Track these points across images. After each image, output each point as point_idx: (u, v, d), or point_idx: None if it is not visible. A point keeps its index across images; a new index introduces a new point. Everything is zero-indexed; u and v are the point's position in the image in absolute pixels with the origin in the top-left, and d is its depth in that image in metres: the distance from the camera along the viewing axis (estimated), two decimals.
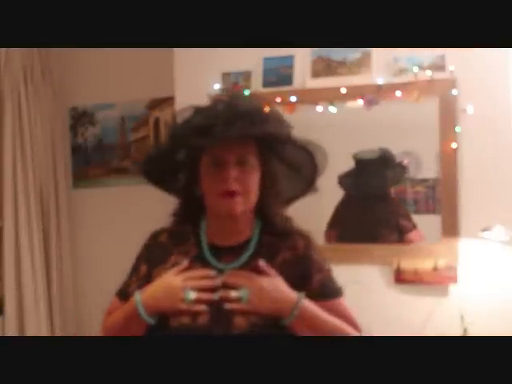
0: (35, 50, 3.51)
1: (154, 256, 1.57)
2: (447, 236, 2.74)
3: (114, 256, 3.56)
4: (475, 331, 2.56)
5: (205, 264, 1.51)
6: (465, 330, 2.59)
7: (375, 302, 2.81)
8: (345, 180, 2.95)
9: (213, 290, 1.46)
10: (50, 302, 3.53)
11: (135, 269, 1.59)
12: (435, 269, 2.74)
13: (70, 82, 3.73)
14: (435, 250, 2.75)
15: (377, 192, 2.99)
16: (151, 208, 3.51)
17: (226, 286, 1.46)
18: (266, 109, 1.49)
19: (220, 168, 1.46)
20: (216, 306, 1.44)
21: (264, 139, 1.48)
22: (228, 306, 1.43)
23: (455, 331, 2.60)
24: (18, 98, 3.45)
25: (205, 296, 1.44)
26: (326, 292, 1.52)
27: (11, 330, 3.33)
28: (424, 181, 2.89)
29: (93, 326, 3.58)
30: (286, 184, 1.58)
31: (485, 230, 2.61)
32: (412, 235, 2.89)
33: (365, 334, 1.53)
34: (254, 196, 1.49)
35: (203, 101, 1.55)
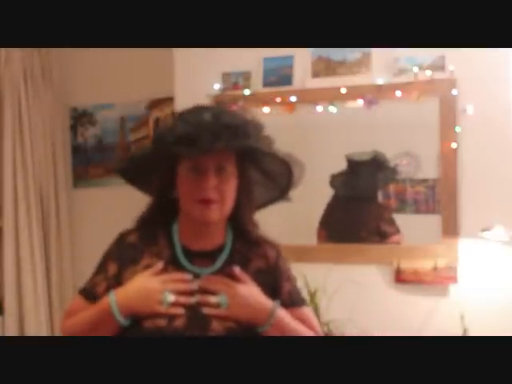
0: (35, 50, 3.51)
1: (124, 256, 1.53)
2: (447, 236, 2.74)
3: None
4: (475, 331, 2.56)
5: (179, 267, 1.50)
6: (465, 330, 2.59)
7: (375, 301, 2.81)
8: (335, 180, 2.97)
9: (190, 293, 1.46)
10: (50, 302, 3.53)
11: (103, 268, 1.55)
12: (435, 269, 2.74)
13: (70, 82, 3.73)
14: (435, 250, 2.75)
15: (364, 194, 3.02)
16: None
17: (204, 291, 1.47)
18: (250, 122, 1.48)
19: (199, 175, 1.45)
20: (193, 310, 1.44)
21: (245, 151, 1.49)
22: (207, 310, 1.44)
23: (455, 331, 2.60)
24: (18, 98, 3.45)
25: (183, 299, 1.45)
26: (294, 301, 1.55)
27: (11, 330, 3.33)
28: (424, 181, 2.88)
29: None
30: (261, 192, 1.59)
31: (485, 230, 2.61)
32: (394, 239, 2.90)
33: (365, 333, 1.53)
34: (230, 204, 1.50)
35: (203, 101, 1.54)
